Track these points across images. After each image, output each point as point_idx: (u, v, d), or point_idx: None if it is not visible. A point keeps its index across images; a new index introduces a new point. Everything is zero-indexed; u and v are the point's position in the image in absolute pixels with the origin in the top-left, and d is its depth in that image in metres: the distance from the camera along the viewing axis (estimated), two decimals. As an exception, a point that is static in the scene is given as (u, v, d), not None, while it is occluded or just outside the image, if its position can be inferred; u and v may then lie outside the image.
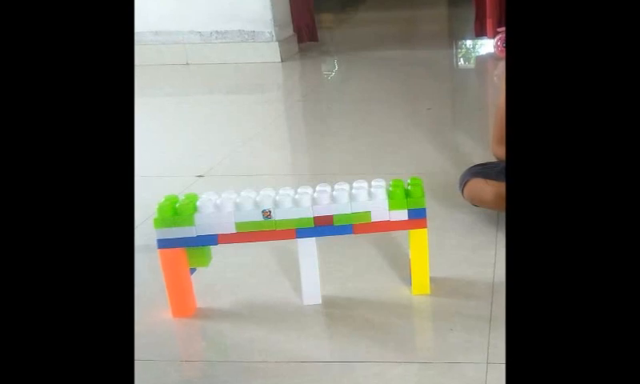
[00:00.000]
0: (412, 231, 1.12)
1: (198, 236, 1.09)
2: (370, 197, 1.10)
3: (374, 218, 1.10)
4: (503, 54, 3.01)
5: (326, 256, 1.23)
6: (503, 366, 0.93)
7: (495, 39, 3.19)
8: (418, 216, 1.11)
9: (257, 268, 1.30)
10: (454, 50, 3.71)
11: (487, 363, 0.98)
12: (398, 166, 1.84)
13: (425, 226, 1.12)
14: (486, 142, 1.81)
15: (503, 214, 1.39)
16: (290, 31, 3.51)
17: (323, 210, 1.09)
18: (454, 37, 4.19)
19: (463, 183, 1.43)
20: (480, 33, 3.49)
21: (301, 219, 1.09)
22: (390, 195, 1.10)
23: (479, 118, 2.31)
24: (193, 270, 1.15)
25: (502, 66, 2.90)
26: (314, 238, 1.12)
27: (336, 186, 1.12)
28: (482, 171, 1.43)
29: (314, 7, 3.79)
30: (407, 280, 1.19)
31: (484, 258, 1.28)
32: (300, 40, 3.61)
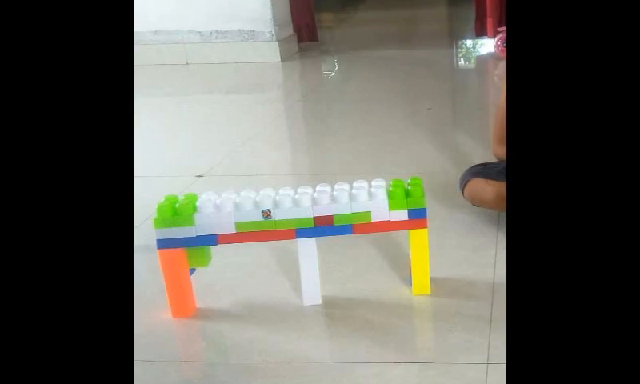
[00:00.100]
0: (412, 231, 1.12)
1: (197, 236, 1.09)
2: (370, 197, 1.10)
3: (374, 218, 1.10)
4: (504, 54, 3.01)
5: (325, 256, 1.23)
6: (503, 367, 0.93)
7: (496, 39, 3.19)
8: (418, 216, 1.11)
9: (257, 268, 1.29)
10: (455, 50, 3.71)
11: (487, 364, 0.98)
12: (398, 165, 1.84)
13: (425, 226, 1.12)
14: (486, 142, 1.81)
15: (504, 214, 1.39)
16: (289, 31, 3.51)
17: (323, 210, 1.09)
18: (454, 36, 4.19)
19: (463, 183, 1.43)
20: (480, 32, 3.49)
21: (301, 219, 1.09)
22: (390, 195, 1.10)
23: (479, 117, 2.31)
24: (192, 271, 1.15)
25: (502, 65, 2.89)
26: (313, 238, 1.12)
27: (336, 186, 1.12)
28: (482, 171, 1.43)
29: (313, 7, 3.79)
30: (407, 280, 1.19)
31: (484, 258, 1.28)
32: (300, 39, 3.61)
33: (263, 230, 1.09)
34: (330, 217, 1.09)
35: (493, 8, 3.35)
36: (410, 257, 1.15)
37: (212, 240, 1.10)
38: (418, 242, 1.13)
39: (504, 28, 3.07)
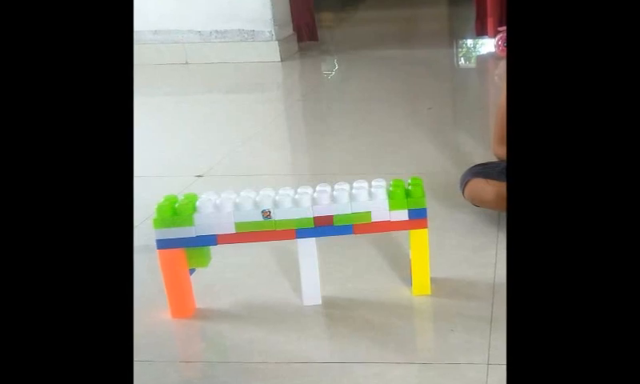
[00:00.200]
0: (412, 231, 1.12)
1: (197, 236, 1.09)
2: (370, 197, 1.10)
3: (375, 218, 1.10)
4: (504, 54, 3.01)
5: (325, 256, 1.23)
6: (504, 367, 0.92)
7: (496, 38, 3.18)
8: (418, 216, 1.11)
9: (256, 268, 1.29)
10: (455, 50, 3.70)
11: (488, 364, 0.98)
12: (399, 165, 1.84)
13: (425, 226, 1.12)
14: (486, 142, 1.80)
15: (504, 214, 1.38)
16: (289, 30, 3.51)
17: (323, 210, 1.09)
18: (454, 36, 4.19)
19: (464, 183, 1.43)
20: (481, 32, 3.49)
21: (301, 219, 1.09)
22: (391, 195, 1.10)
23: (480, 117, 2.31)
24: (192, 271, 1.14)
25: (502, 65, 2.89)
26: (313, 239, 1.11)
27: (336, 186, 1.12)
28: (482, 171, 1.43)
29: (313, 6, 3.79)
30: (408, 280, 1.19)
31: (485, 258, 1.28)
32: (300, 39, 3.61)
33: (263, 230, 1.09)
34: (330, 217, 1.09)
35: (493, 7, 3.35)
36: (411, 257, 1.15)
37: (212, 240, 1.10)
38: (418, 242, 1.13)
39: (504, 27, 3.07)
